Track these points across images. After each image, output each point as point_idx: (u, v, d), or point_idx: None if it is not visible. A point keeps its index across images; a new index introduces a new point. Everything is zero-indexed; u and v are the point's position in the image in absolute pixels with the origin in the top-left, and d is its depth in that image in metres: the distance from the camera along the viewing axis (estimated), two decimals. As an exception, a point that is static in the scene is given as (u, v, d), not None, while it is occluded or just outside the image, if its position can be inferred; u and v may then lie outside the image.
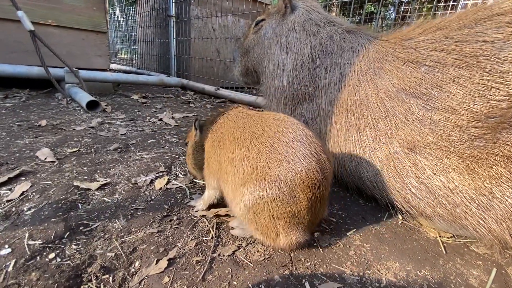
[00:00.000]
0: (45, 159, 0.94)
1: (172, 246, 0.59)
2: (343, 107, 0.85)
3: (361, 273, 0.54)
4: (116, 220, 0.67)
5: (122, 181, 0.85)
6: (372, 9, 6.21)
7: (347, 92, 0.85)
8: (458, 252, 0.62)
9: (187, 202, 0.77)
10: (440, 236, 0.67)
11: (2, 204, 0.68)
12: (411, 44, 0.77)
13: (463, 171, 0.56)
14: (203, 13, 3.38)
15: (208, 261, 0.55)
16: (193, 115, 1.83)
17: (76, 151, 1.05)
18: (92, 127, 1.35)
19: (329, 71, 0.91)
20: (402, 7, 5.65)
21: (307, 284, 0.50)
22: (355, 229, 0.68)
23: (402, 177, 0.68)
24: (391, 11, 6.11)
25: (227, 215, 0.71)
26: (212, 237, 0.63)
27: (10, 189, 0.75)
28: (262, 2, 3.92)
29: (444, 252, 0.62)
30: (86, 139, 1.18)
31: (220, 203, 0.72)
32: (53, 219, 0.63)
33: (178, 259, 0.56)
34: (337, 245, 0.62)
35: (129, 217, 0.68)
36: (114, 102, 2.04)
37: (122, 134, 1.30)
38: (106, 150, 1.09)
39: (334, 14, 7.17)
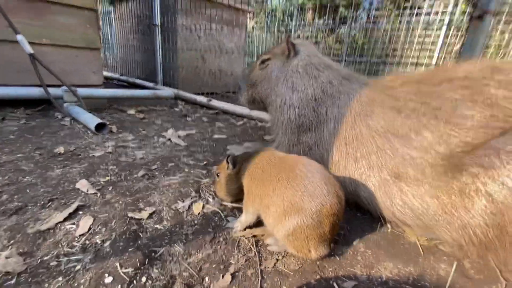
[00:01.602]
0: (87, 191, 1.06)
1: (228, 263, 0.78)
2: (342, 140, 1.07)
3: (368, 273, 0.77)
4: (175, 244, 0.83)
5: (164, 208, 1.00)
6: (346, 13, 6.59)
7: (345, 128, 1.07)
8: (431, 251, 0.88)
9: (225, 225, 0.95)
10: (418, 240, 0.92)
11: (76, 238, 0.81)
12: (394, 93, 1.01)
13: (433, 196, 0.81)
14: (188, 22, 3.46)
15: (259, 273, 0.75)
16: (195, 132, 1.97)
17: (108, 180, 1.18)
18: (110, 152, 1.46)
19: (329, 109, 1.12)
20: (373, 12, 6.08)
21: (335, 284, 0.71)
22: (358, 239, 0.91)
23: (391, 198, 0.91)
24: (362, 16, 6.53)
25: (262, 234, 0.90)
26: (255, 254, 0.82)
27: (74, 223, 0.87)
28: (242, 9, 4.07)
29: (422, 252, 0.87)
30: (111, 167, 1.30)
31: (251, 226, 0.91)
32: (130, 249, 0.78)
33: (237, 273, 0.74)
34: (348, 253, 0.85)
35: (184, 241, 0.85)
36: (114, 119, 2.11)
37: (140, 159, 1.42)
38: (134, 177, 1.22)
39: (310, 16, 7.46)
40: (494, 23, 1.42)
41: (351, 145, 1.04)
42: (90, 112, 1.98)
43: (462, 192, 0.74)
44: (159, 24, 3.38)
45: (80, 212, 0.93)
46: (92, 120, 1.77)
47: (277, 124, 1.28)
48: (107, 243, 0.80)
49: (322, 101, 1.14)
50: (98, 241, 0.81)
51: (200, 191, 1.14)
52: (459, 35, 5.14)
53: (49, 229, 0.83)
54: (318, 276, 0.74)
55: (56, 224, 0.86)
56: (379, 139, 0.98)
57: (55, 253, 0.75)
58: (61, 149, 1.42)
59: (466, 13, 4.85)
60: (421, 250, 0.88)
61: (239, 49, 4.11)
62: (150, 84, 3.53)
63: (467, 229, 0.76)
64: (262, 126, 2.30)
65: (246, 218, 0.90)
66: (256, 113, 2.39)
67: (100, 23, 2.07)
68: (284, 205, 0.75)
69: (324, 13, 6.84)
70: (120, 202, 1.01)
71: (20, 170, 1.17)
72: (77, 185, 1.09)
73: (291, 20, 7.08)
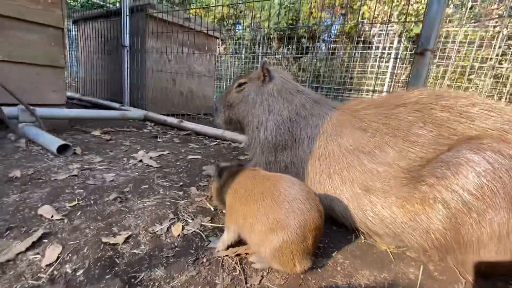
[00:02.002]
0: (52, 217, 0.97)
1: (214, 283, 0.76)
2: (316, 158, 1.15)
3: (348, 282, 0.81)
4: (156, 268, 0.80)
5: (141, 232, 0.96)
6: (308, 43, 7.20)
7: (318, 147, 1.16)
8: (400, 257, 0.96)
9: (207, 245, 0.93)
10: (388, 248, 1.00)
11: (42, 269, 0.73)
12: (359, 115, 1.13)
13: (399, 206, 0.90)
14: (159, 45, 3.48)
15: (246, 291, 0.75)
16: (168, 153, 1.93)
17: (75, 204, 1.09)
18: (75, 176, 1.36)
19: (303, 130, 1.21)
20: (331, 45, 6.73)
21: (319, 296, 0.74)
22: (336, 250, 0.96)
23: (363, 210, 0.99)
24: (322, 47, 7.19)
25: (245, 253, 0.90)
26: (240, 272, 0.82)
27: (38, 253, 0.79)
28: (214, 36, 4.23)
29: (393, 259, 0.94)
30: (78, 190, 1.21)
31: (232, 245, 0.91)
32: (107, 277, 0.72)
33: (224, 293, 0.73)
34: (328, 264, 0.89)
35: (165, 264, 0.82)
36: (78, 141, 1.98)
37: (110, 181, 1.35)
38: (106, 201, 1.15)
39: (275, 45, 7.96)
40: (432, 58, 1.70)
41: (325, 162, 1.12)
42: (50, 133, 1.84)
43: (423, 200, 0.84)
44: (128, 45, 3.35)
45: (45, 241, 0.84)
46: (53, 142, 1.64)
47: (254, 144, 1.33)
48: (79, 272, 0.74)
49: (297, 122, 1.23)
50: (69, 271, 0.74)
51: (178, 213, 1.12)
52: (403, 67, 5.87)
53: (9, 260, 0.74)
54: (303, 289, 0.77)
55: (17, 255, 0.77)
56: (349, 156, 1.08)
57: (17, 287, 0.67)
58: (17, 173, 1.29)
59: (408, 48, 5.61)
60: (392, 257, 0.95)
61: (209, 72, 4.20)
62: (116, 105, 3.40)
63: (429, 234, 0.85)
64: (236, 147, 2.33)
65: (228, 236, 0.90)
66: (229, 134, 2.43)
67: (67, 41, 2.01)
68: (269, 222, 0.77)
69: (289, 43, 7.38)
70: (92, 227, 0.95)
71: (-33, 197, 1.04)
72: (40, 211, 0.99)
73: (258, 48, 7.48)
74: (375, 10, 5.93)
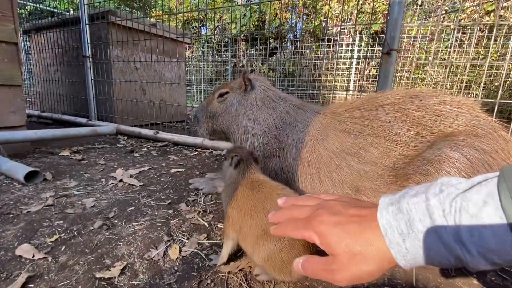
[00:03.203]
0: (33, 256, 0.89)
1: (223, 305, 0.75)
2: (305, 162, 1.18)
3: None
4: (160, 298, 0.76)
5: (136, 260, 0.91)
6: (275, 44, 7.31)
7: (306, 152, 1.19)
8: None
9: (209, 263, 0.91)
10: (381, 243, 1.06)
11: (33, 319, 0.67)
12: (342, 119, 1.18)
13: (389, 203, 0.96)
14: (124, 53, 3.32)
15: (256, 308, 0.74)
16: (148, 168, 1.85)
17: (57, 239, 1.01)
18: (51, 205, 1.25)
19: (290, 136, 1.23)
20: (298, 44, 6.90)
21: (328, 301, 0.76)
22: (335, 252, 0.99)
23: (355, 210, 1.04)
24: (288, 46, 7.35)
25: (248, 266, 0.90)
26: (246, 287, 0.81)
27: (25, 301, 0.72)
28: (184, 41, 4.13)
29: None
30: (57, 222, 1.12)
31: (233, 257, 0.91)
32: (109, 316, 0.68)
33: (235, 314, 0.72)
34: (330, 267, 0.91)
35: (169, 292, 0.79)
36: (45, 165, 1.83)
37: (91, 207, 1.26)
38: (91, 230, 1.07)
39: (242, 47, 7.98)
40: (397, 57, 1.82)
41: (314, 166, 1.16)
42: (12, 160, 1.67)
43: (411, 197, 0.90)
44: (90, 55, 3.14)
45: (32, 285, 0.77)
46: (18, 169, 1.49)
47: (242, 153, 1.32)
48: (78, 316, 0.68)
49: (283, 129, 1.25)
50: (65, 316, 0.68)
51: (172, 233, 1.08)
52: (366, 62, 6.19)
53: (-8, 316, 0.67)
54: (311, 297, 0.78)
55: (1, 307, 0.69)
56: (336, 158, 1.12)
57: None
58: (-19, 210, 1.15)
59: (369, 44, 5.93)
60: (385, 251, 1.01)
61: (180, 78, 4.09)
62: (83, 120, 3.18)
63: (418, 226, 0.92)
64: (218, 155, 2.30)
65: (227, 247, 0.89)
66: (209, 142, 2.39)
67: (23, 56, 1.84)
68: (258, 232, 0.78)
69: (256, 44, 7.44)
70: (81, 262, 0.88)
71: None
72: (18, 252, 0.90)
73: (226, 50, 7.44)
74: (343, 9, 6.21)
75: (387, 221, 0.40)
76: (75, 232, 1.05)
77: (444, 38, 5.47)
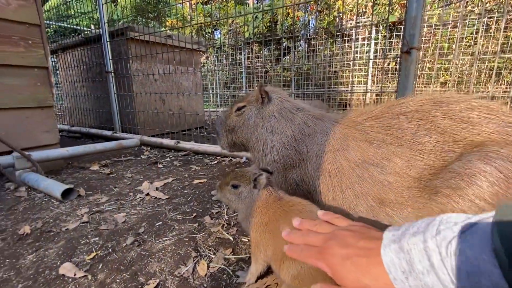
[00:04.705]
0: (75, 275, 0.96)
1: (252, 323, 0.77)
2: (326, 174, 1.17)
3: (380, 299, 0.84)
4: (192, 316, 0.80)
5: (168, 277, 0.96)
6: (288, 44, 7.26)
7: (327, 163, 1.18)
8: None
9: (236, 281, 0.94)
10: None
11: (79, 338, 0.73)
12: (362, 128, 1.16)
13: (417, 217, 0.93)
14: (143, 66, 3.45)
15: (285, 327, 0.76)
16: (172, 180, 1.92)
17: (94, 256, 1.08)
18: (86, 222, 1.34)
19: (309, 147, 1.23)
20: (312, 41, 6.80)
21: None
22: (361, 266, 0.98)
23: (380, 223, 1.02)
24: (302, 45, 7.26)
25: (275, 283, 0.91)
26: (274, 306, 0.83)
27: (71, 320, 0.78)
28: (198, 50, 4.22)
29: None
30: (93, 239, 1.19)
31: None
32: (147, 336, 0.72)
33: (265, 333, 0.74)
34: (357, 283, 0.91)
35: (200, 310, 0.82)
36: (78, 180, 1.95)
37: (123, 223, 1.33)
38: (124, 247, 1.14)
39: (255, 48, 7.99)
40: (418, 56, 1.75)
41: (336, 178, 1.15)
42: (48, 177, 1.80)
43: (443, 212, 0.87)
44: (112, 70, 3.30)
45: (75, 304, 0.83)
46: (55, 187, 1.61)
47: (262, 165, 1.34)
48: (119, 335, 0.73)
49: (302, 140, 1.25)
50: (107, 335, 0.73)
51: (199, 248, 1.12)
52: (384, 55, 5.97)
53: (44, 335, 0.73)
54: (340, 315, 0.78)
55: (51, 326, 0.76)
56: (358, 169, 1.10)
57: None
58: (26, 229, 1.26)
59: (386, 36, 5.73)
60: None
61: (197, 86, 4.18)
62: (108, 132, 3.34)
63: (448, 240, 0.89)
64: (238, 163, 2.34)
65: (256, 267, 0.91)
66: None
67: (53, 79, 1.97)
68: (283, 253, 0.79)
69: (269, 44, 7.42)
70: (117, 280, 0.94)
71: (-18, 267, 1.01)
72: (61, 271, 0.98)
73: (240, 53, 7.50)
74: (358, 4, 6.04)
75: (390, 259, 0.42)
76: (110, 249, 1.12)
77: (468, 24, 5.17)
